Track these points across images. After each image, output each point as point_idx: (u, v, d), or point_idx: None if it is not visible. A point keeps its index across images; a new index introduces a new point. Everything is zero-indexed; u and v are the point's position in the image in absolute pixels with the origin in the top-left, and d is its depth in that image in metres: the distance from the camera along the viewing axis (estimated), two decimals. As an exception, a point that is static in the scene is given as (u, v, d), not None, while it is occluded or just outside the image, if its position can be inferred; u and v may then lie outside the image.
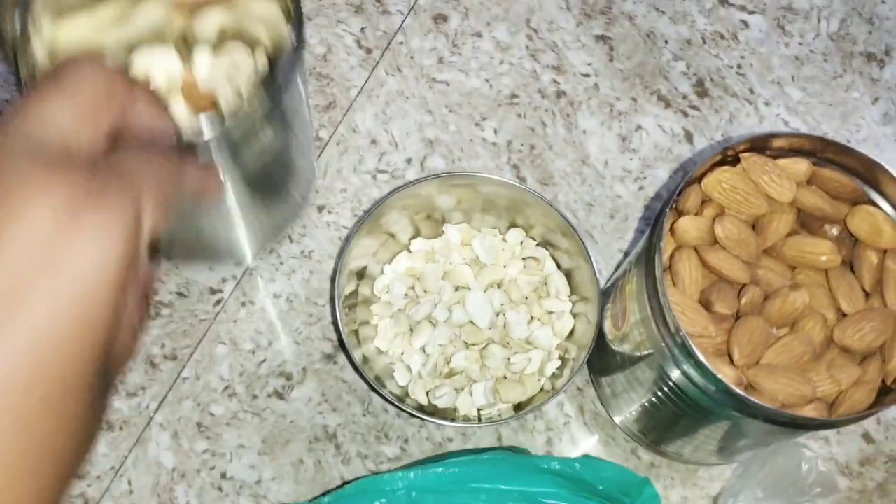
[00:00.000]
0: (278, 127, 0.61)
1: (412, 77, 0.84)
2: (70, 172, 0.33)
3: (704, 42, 0.87)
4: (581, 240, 0.69)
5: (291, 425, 0.72)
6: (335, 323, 0.70)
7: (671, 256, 0.59)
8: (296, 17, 0.59)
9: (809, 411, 0.55)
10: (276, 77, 0.58)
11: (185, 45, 0.71)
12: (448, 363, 0.71)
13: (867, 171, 0.59)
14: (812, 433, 0.73)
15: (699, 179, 0.60)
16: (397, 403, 0.66)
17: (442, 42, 0.86)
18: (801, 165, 0.60)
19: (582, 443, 0.73)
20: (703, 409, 0.57)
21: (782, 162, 0.60)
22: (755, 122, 0.83)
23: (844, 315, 0.59)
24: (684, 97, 0.84)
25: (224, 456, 0.71)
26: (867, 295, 0.59)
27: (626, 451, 0.72)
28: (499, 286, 0.74)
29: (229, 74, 0.69)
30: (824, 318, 0.58)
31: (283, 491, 0.70)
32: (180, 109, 0.68)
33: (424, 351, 0.72)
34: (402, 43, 0.85)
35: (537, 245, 0.75)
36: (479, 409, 0.70)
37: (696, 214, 0.60)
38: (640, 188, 0.81)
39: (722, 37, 0.87)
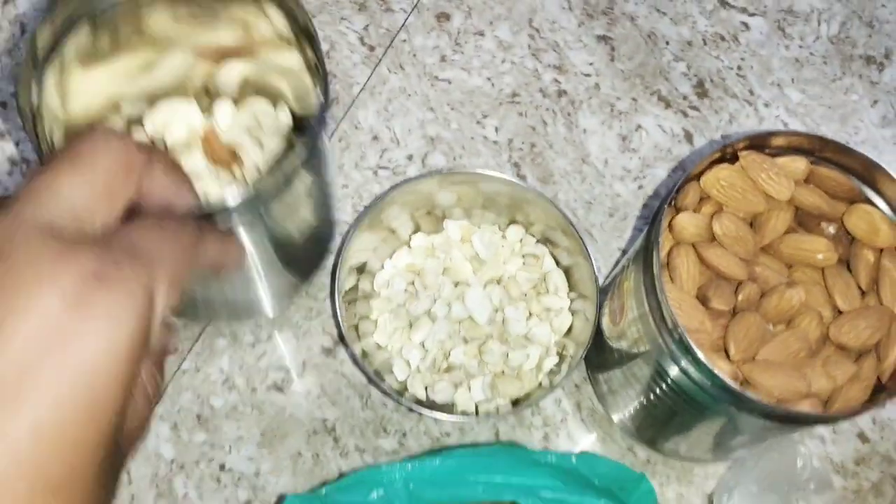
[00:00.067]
0: (302, 188, 0.61)
1: (414, 75, 0.85)
2: (80, 255, 0.32)
3: (705, 43, 0.87)
4: (580, 237, 0.70)
5: (290, 418, 0.72)
6: (335, 317, 0.71)
7: (669, 253, 0.60)
8: (321, 76, 0.59)
9: (805, 407, 0.56)
10: (303, 141, 0.57)
11: (207, 97, 0.71)
12: (447, 358, 0.72)
13: (865, 171, 0.60)
14: (807, 432, 0.73)
15: (698, 177, 0.61)
16: (396, 397, 0.66)
17: (444, 40, 0.86)
18: (799, 164, 0.61)
19: (579, 439, 0.73)
20: (700, 404, 0.58)
21: (780, 160, 0.61)
22: (755, 123, 0.84)
23: (840, 313, 0.59)
24: (684, 98, 0.85)
25: (223, 448, 0.71)
26: (863, 293, 0.60)
27: (622, 447, 0.73)
28: (498, 282, 0.74)
29: (251, 127, 0.70)
30: (820, 315, 0.58)
31: (281, 483, 0.70)
32: (201, 163, 0.68)
33: (423, 346, 0.72)
34: (404, 41, 0.86)
35: (537, 242, 0.76)
36: (477, 404, 0.70)
37: (694, 211, 0.60)
38: (640, 187, 0.81)
39: (722, 38, 0.88)
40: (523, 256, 0.75)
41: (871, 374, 0.57)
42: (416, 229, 0.76)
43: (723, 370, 0.54)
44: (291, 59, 0.65)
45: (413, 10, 0.87)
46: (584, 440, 0.73)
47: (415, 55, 0.85)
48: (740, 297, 0.58)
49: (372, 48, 0.86)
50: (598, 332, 0.69)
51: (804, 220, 0.61)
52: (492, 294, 0.73)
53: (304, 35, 0.61)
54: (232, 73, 0.70)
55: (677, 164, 0.82)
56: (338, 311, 0.68)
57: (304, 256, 0.70)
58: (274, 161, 0.69)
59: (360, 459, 0.71)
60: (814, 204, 0.60)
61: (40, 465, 0.31)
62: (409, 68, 0.85)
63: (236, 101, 0.72)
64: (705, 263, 0.59)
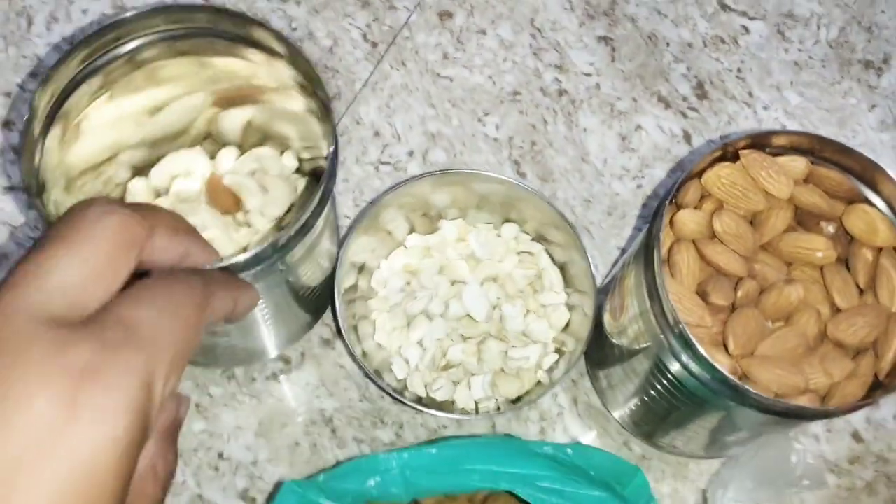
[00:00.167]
0: (317, 233, 0.61)
1: (416, 71, 0.85)
2: (71, 350, 0.31)
3: (705, 45, 0.88)
4: (575, 232, 0.70)
5: (288, 408, 0.73)
6: (334, 311, 0.71)
7: (670, 249, 0.60)
8: (329, 121, 0.59)
9: (802, 402, 0.56)
10: (319, 189, 0.58)
11: (210, 142, 0.72)
12: (445, 356, 0.72)
13: (864, 171, 0.60)
14: (802, 431, 0.74)
15: (699, 174, 0.61)
16: (396, 395, 0.67)
17: (447, 38, 0.87)
18: (799, 163, 0.61)
19: (575, 434, 0.74)
20: (699, 399, 0.58)
21: (781, 160, 0.61)
22: (753, 125, 0.85)
23: (839, 310, 0.60)
24: (684, 99, 0.85)
25: (221, 436, 0.72)
26: (861, 291, 0.60)
27: (618, 442, 0.73)
28: (495, 280, 0.74)
29: (255, 172, 0.70)
30: (818, 312, 0.59)
31: (278, 472, 0.71)
32: (207, 212, 0.68)
33: (421, 344, 0.73)
34: (407, 38, 0.86)
35: (532, 240, 0.76)
36: (476, 402, 0.71)
37: (695, 208, 0.61)
38: (639, 186, 0.82)
39: (723, 41, 0.88)
40: (519, 254, 0.76)
41: (868, 371, 0.58)
42: (412, 230, 0.77)
43: (722, 364, 0.55)
44: (296, 103, 0.65)
45: (416, 7, 0.88)
46: (580, 435, 0.74)
47: (417, 52, 0.86)
48: (740, 294, 0.59)
49: (375, 44, 0.86)
50: (598, 328, 0.69)
51: (804, 219, 0.62)
52: (489, 292, 0.73)
53: (309, 80, 0.61)
54: (235, 118, 0.70)
55: (676, 164, 0.83)
56: (337, 309, 0.69)
57: (316, 295, 0.71)
58: (290, 210, 0.69)
59: (357, 450, 0.72)
60: (813, 203, 0.61)
61: None
62: (412, 65, 0.85)
63: (240, 146, 0.72)
64: (705, 260, 0.60)
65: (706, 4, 0.90)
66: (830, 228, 0.62)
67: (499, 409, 0.70)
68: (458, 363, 0.72)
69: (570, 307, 0.74)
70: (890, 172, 0.59)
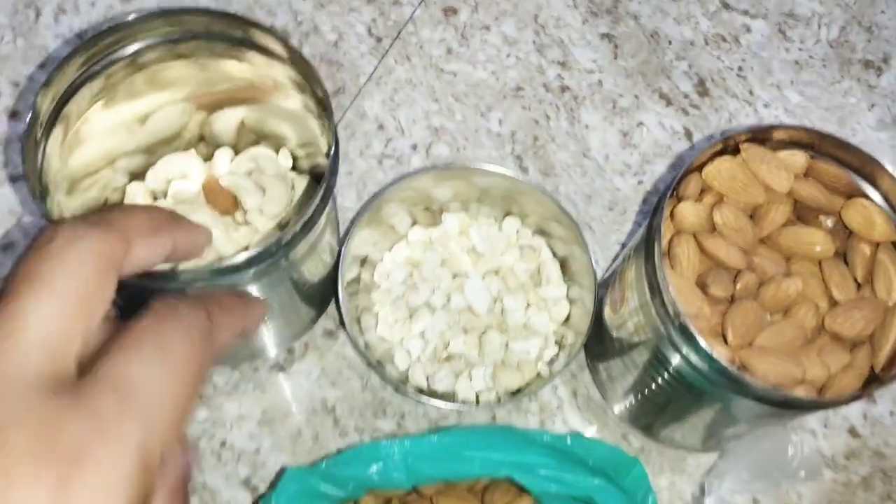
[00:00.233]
0: (319, 230, 0.62)
1: (420, 66, 0.86)
2: (63, 427, 0.28)
3: (707, 44, 0.89)
4: (576, 226, 0.71)
5: (291, 398, 0.73)
6: (337, 303, 0.72)
7: (670, 241, 0.61)
8: (328, 118, 0.60)
9: (799, 393, 0.57)
10: (322, 186, 0.58)
11: (204, 144, 0.73)
12: (446, 348, 0.73)
13: (862, 166, 0.61)
14: (799, 426, 0.75)
15: (700, 168, 0.62)
16: (399, 386, 0.67)
17: (451, 34, 0.88)
18: (798, 158, 0.62)
19: (574, 426, 0.74)
20: (697, 390, 0.59)
21: (781, 154, 0.62)
22: (754, 122, 0.85)
23: (836, 303, 0.60)
24: (685, 96, 0.86)
25: (224, 425, 0.72)
26: (859, 285, 0.61)
27: (616, 435, 0.74)
28: (496, 274, 0.75)
29: (251, 172, 0.71)
30: (816, 305, 0.60)
31: (280, 460, 0.71)
32: (206, 214, 0.69)
33: (423, 336, 0.73)
34: (412, 33, 0.87)
35: (533, 234, 0.77)
36: (477, 394, 0.71)
37: (695, 201, 0.62)
38: (640, 182, 0.82)
39: (724, 39, 0.89)
40: (520, 248, 0.77)
41: (864, 363, 0.59)
42: (414, 224, 0.77)
43: (720, 355, 0.56)
44: (294, 102, 0.66)
45: (421, 3, 0.89)
46: (579, 427, 0.74)
47: (421, 47, 0.87)
48: (739, 286, 0.60)
49: (379, 39, 0.87)
50: (598, 321, 0.70)
51: (803, 213, 0.63)
52: (490, 285, 0.74)
53: (308, 79, 0.62)
54: (228, 120, 0.71)
55: (677, 160, 0.83)
56: (341, 302, 0.69)
57: (319, 290, 0.71)
58: (292, 209, 0.70)
59: (358, 439, 0.73)
60: (812, 197, 0.62)
61: None
62: (416, 60, 0.86)
63: (235, 147, 0.73)
64: (705, 252, 0.61)
65: (708, 3, 0.91)
66: (829, 223, 0.63)
67: (499, 400, 0.71)
68: (459, 355, 0.72)
69: (571, 301, 0.74)
70: (887, 166, 0.60)
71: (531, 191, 0.72)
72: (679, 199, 0.62)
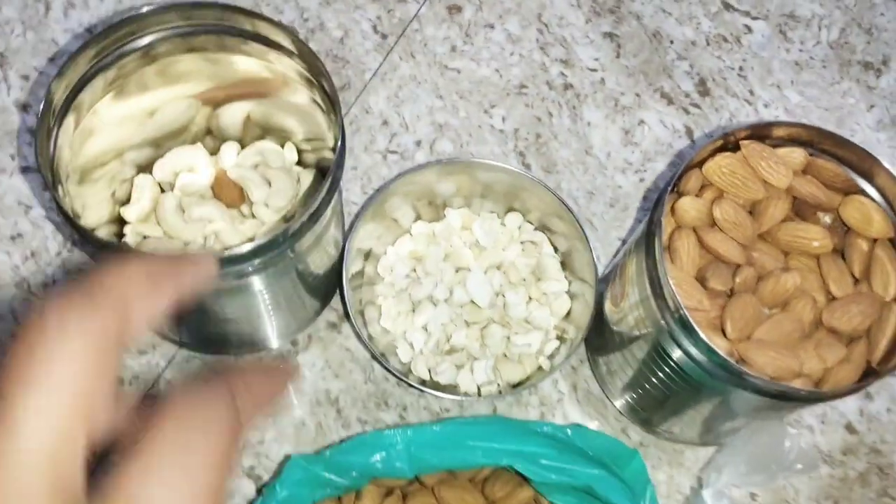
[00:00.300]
0: (325, 222, 0.63)
1: (425, 63, 0.87)
2: None
3: (708, 44, 0.90)
4: (578, 222, 0.72)
5: (295, 389, 0.74)
6: (342, 295, 0.73)
7: (671, 235, 0.62)
8: (336, 112, 0.61)
9: (796, 385, 0.58)
10: (328, 179, 0.59)
11: (213, 139, 0.74)
12: (449, 341, 0.74)
13: (860, 163, 0.62)
14: (797, 422, 0.76)
15: (700, 164, 0.63)
16: (402, 377, 0.68)
17: (455, 31, 0.88)
18: (797, 154, 0.63)
19: (573, 419, 0.75)
20: (696, 383, 0.60)
21: (780, 151, 0.63)
22: (754, 122, 0.86)
23: (834, 298, 0.61)
24: (686, 95, 0.87)
25: (229, 415, 0.73)
26: (856, 280, 0.62)
27: (615, 429, 0.75)
28: (498, 268, 0.76)
29: (258, 165, 0.72)
30: (814, 299, 0.61)
31: (284, 450, 0.72)
32: (213, 206, 0.70)
33: (426, 329, 0.74)
34: (416, 30, 0.88)
35: (535, 229, 0.78)
36: (478, 386, 0.72)
37: (696, 197, 0.63)
38: (641, 180, 0.83)
39: (725, 40, 0.90)
40: (522, 243, 0.77)
41: (860, 357, 0.60)
42: (418, 219, 0.78)
43: (719, 347, 0.57)
44: (301, 96, 0.67)
45: (425, 1, 0.90)
46: (578, 421, 0.75)
47: (426, 44, 0.88)
48: (738, 280, 0.61)
49: (384, 36, 0.88)
50: (599, 316, 0.71)
51: (801, 210, 0.64)
52: (492, 279, 0.75)
53: (316, 74, 0.63)
54: (234, 114, 0.72)
55: (677, 158, 0.84)
56: (345, 293, 0.70)
57: (324, 282, 0.73)
58: (297, 202, 0.71)
59: (361, 430, 0.73)
60: (811, 194, 0.63)
61: None
62: (420, 57, 0.87)
63: (241, 141, 0.74)
64: (705, 247, 0.62)
65: (710, 3, 0.92)
66: (827, 219, 0.64)
67: (500, 392, 0.72)
68: (461, 348, 0.73)
69: (572, 295, 0.75)
70: (885, 163, 0.61)
71: (534, 187, 0.73)
72: (680, 195, 0.63)
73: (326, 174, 0.59)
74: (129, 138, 0.68)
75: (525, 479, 0.65)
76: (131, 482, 0.26)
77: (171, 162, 0.72)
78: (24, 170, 0.80)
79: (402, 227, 0.78)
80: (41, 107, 0.57)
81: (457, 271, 0.76)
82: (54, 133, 0.59)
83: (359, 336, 0.71)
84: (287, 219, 0.69)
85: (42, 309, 0.27)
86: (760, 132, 0.63)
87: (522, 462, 0.62)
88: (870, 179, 0.63)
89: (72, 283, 0.28)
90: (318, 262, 0.67)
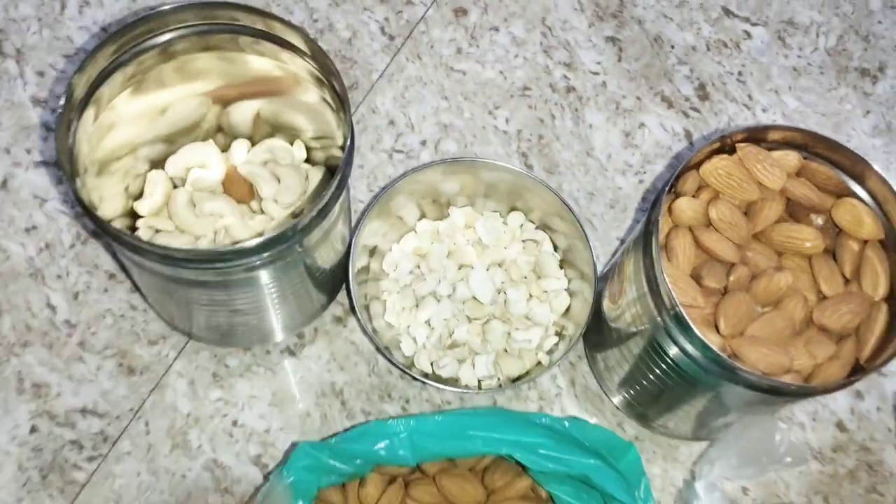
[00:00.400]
0: (333, 218, 0.65)
1: (431, 65, 0.89)
2: None
3: (708, 49, 0.92)
4: (578, 221, 0.74)
5: (301, 380, 0.76)
6: (348, 290, 0.75)
7: (668, 235, 0.64)
8: (346, 111, 0.63)
9: (786, 380, 0.60)
10: (336, 176, 0.61)
11: (223, 136, 0.76)
12: (451, 335, 0.75)
13: (853, 167, 0.64)
14: (788, 419, 0.77)
15: (697, 166, 0.65)
16: (405, 370, 0.70)
17: (461, 34, 0.90)
18: (791, 158, 0.65)
19: (571, 413, 0.77)
20: (690, 378, 0.62)
21: (775, 154, 0.65)
22: (750, 125, 0.88)
23: (825, 297, 0.63)
24: (686, 99, 0.89)
25: (236, 405, 0.75)
26: (846, 281, 0.64)
27: (612, 424, 0.77)
28: (500, 266, 0.78)
29: (267, 162, 0.74)
30: (805, 298, 0.63)
31: (289, 440, 0.74)
32: (223, 201, 0.72)
33: (429, 324, 0.76)
34: (423, 32, 0.90)
35: (536, 228, 0.80)
36: (479, 380, 0.74)
37: (692, 197, 0.65)
38: (640, 181, 0.85)
39: (725, 45, 0.92)
40: (523, 241, 0.79)
41: (849, 355, 0.62)
42: (422, 217, 0.80)
43: (713, 343, 0.59)
44: (312, 95, 0.69)
45: (432, 3, 0.92)
46: (576, 415, 0.77)
47: (432, 46, 0.90)
48: (732, 278, 0.62)
49: (392, 38, 0.90)
50: (597, 313, 0.73)
51: (795, 211, 0.66)
52: (494, 276, 0.77)
53: (327, 73, 0.65)
54: (244, 112, 0.74)
55: (676, 161, 0.86)
56: (351, 288, 0.72)
57: (330, 277, 0.74)
58: (306, 199, 0.73)
59: (364, 421, 0.75)
60: (804, 196, 0.65)
61: None
62: (427, 58, 0.89)
63: (251, 138, 0.76)
64: (701, 246, 0.63)
65: (711, 10, 0.94)
66: (819, 220, 0.66)
67: (500, 386, 0.73)
68: (463, 342, 0.75)
69: (571, 293, 0.77)
70: (876, 167, 0.63)
71: (536, 187, 0.75)
72: (677, 195, 0.65)
73: (335, 171, 0.61)
74: (143, 134, 0.70)
75: (523, 470, 0.67)
76: None
77: (184, 158, 0.74)
78: (39, 164, 0.82)
79: (407, 224, 0.80)
80: (63, 99, 0.59)
81: (460, 268, 0.78)
82: (74, 126, 0.61)
83: (364, 330, 0.73)
84: (295, 215, 0.71)
85: None
86: (756, 135, 0.65)
87: (521, 451, 0.64)
88: (861, 183, 0.64)
89: None
90: (326, 258, 0.69)
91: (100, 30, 0.88)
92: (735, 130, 0.64)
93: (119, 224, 0.70)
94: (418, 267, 0.78)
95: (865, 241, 0.64)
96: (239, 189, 0.73)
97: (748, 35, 0.93)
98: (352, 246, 0.73)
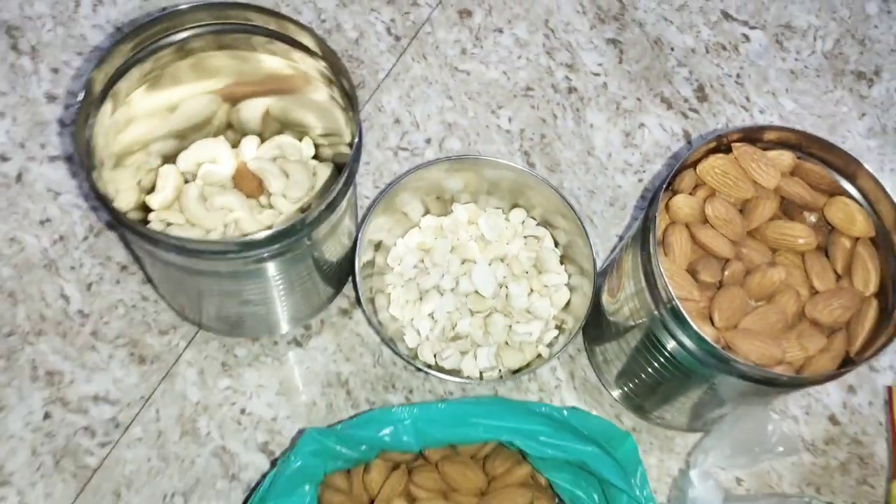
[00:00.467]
0: (340, 213, 0.66)
1: (436, 65, 0.91)
2: None
3: (707, 52, 0.94)
4: (578, 219, 0.76)
5: (307, 370, 0.78)
6: (354, 283, 0.77)
7: (665, 231, 0.66)
8: (354, 110, 0.65)
9: (778, 371, 0.62)
10: (345, 171, 0.63)
11: (233, 133, 0.78)
12: (454, 328, 0.77)
13: (845, 166, 0.66)
14: (782, 412, 0.79)
15: (694, 164, 0.67)
16: (411, 361, 0.72)
17: (465, 35, 0.93)
18: (786, 157, 0.67)
19: (570, 405, 0.79)
20: (686, 370, 0.64)
21: (770, 153, 0.67)
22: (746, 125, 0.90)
23: (816, 292, 0.65)
24: (685, 100, 0.91)
25: (245, 394, 0.77)
26: (838, 276, 0.66)
27: (610, 415, 0.79)
28: (502, 261, 0.80)
29: (276, 158, 0.76)
30: (798, 293, 0.65)
31: (296, 428, 0.76)
32: (233, 196, 0.74)
33: (432, 317, 0.78)
34: (428, 33, 0.92)
35: (537, 224, 0.82)
36: (481, 371, 0.76)
37: (689, 195, 0.67)
38: (639, 180, 0.87)
39: (724, 48, 0.94)
40: (525, 237, 0.81)
41: (840, 348, 0.64)
42: (427, 213, 0.82)
43: (707, 335, 0.60)
44: (321, 94, 0.71)
45: (438, 5, 0.94)
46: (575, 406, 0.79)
47: (437, 47, 0.92)
48: (727, 273, 0.64)
49: (398, 38, 0.92)
50: (596, 307, 0.75)
51: (788, 209, 0.68)
52: (496, 271, 0.79)
53: (337, 72, 0.67)
54: (254, 109, 0.76)
55: (674, 160, 0.88)
56: (357, 282, 0.74)
57: (337, 270, 0.76)
58: (314, 194, 0.75)
59: (369, 410, 0.77)
60: (798, 194, 0.67)
61: None
62: (432, 59, 0.91)
63: (260, 135, 0.78)
64: (697, 242, 0.65)
65: (710, 13, 0.96)
66: (812, 218, 0.68)
67: (501, 377, 0.75)
68: (465, 335, 0.77)
69: (571, 288, 0.79)
70: (869, 169, 0.65)
71: (538, 184, 0.77)
72: (674, 193, 0.67)
73: (343, 167, 0.63)
74: (156, 130, 0.72)
75: (523, 457, 0.69)
76: None
77: (195, 153, 0.75)
78: (53, 159, 0.84)
79: (412, 220, 0.82)
80: (81, 94, 0.61)
81: (462, 263, 0.80)
82: (92, 120, 0.63)
83: (369, 322, 0.75)
84: (303, 210, 0.73)
85: None
86: (752, 135, 0.67)
87: (521, 438, 0.65)
88: (853, 182, 0.66)
89: None
90: (333, 251, 0.71)
91: (113, 28, 0.90)
92: (731, 130, 0.66)
93: (132, 217, 0.72)
94: (422, 261, 0.80)
95: (857, 239, 0.66)
96: (248, 184, 0.75)
97: (747, 38, 0.95)
98: (358, 240, 0.75)
